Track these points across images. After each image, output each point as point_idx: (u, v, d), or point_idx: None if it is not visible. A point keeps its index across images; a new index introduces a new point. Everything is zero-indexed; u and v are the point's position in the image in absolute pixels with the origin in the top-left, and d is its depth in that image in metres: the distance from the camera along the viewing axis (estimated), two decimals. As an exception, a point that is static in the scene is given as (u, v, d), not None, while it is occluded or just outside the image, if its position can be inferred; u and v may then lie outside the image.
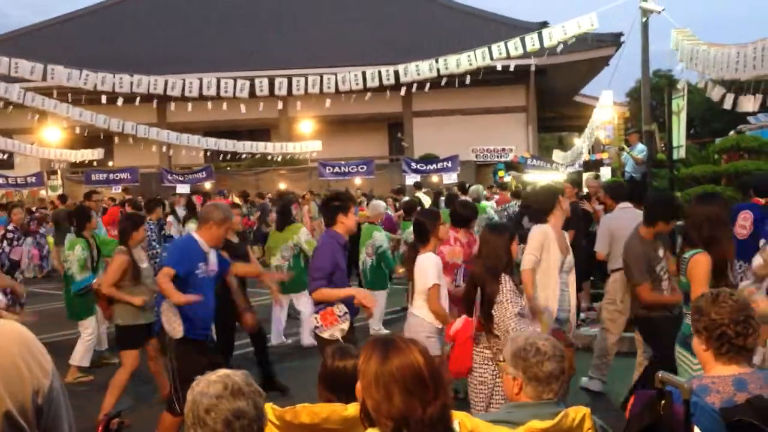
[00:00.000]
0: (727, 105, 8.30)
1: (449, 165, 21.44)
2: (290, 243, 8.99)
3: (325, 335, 5.24)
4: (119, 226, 7.02)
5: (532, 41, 13.50)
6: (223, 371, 2.19)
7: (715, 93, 8.73)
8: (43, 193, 24.05)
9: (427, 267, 5.45)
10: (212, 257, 5.52)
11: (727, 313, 2.71)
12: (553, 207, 5.62)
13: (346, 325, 5.28)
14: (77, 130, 22.04)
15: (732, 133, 16.23)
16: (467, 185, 15.41)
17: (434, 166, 21.83)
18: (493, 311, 4.53)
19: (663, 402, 2.50)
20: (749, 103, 8.01)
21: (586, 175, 16.11)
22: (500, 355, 4.14)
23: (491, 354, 4.55)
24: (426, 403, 2.13)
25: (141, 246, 7.08)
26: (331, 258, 5.37)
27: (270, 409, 2.69)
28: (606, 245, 7.18)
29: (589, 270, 9.54)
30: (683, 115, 10.19)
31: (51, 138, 25.09)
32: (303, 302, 8.81)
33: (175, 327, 5.13)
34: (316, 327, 5.32)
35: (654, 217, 5.53)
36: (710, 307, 2.75)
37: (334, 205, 5.58)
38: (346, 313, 5.28)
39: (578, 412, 2.70)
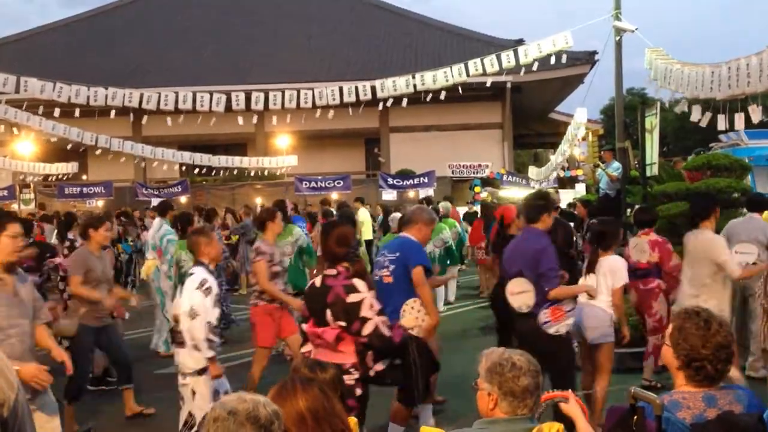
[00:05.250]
0: (701, 122, 8.36)
1: (425, 180, 21.51)
2: None
3: (551, 331, 5.37)
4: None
5: (507, 58, 13.58)
6: (264, 398, 2.19)
7: (684, 108, 8.85)
8: (15, 207, 23.70)
9: (621, 268, 5.91)
10: None
11: (713, 348, 2.59)
12: (711, 214, 6.32)
13: (571, 321, 5.48)
14: (51, 144, 21.79)
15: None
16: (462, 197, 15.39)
17: (410, 181, 21.89)
18: None
19: (635, 417, 2.51)
20: (710, 121, 8.11)
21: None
22: None
23: None
24: None
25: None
26: (555, 256, 5.54)
27: None
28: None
29: None
30: (656, 133, 10.32)
31: (24, 151, 24.78)
32: None
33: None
34: (545, 323, 5.39)
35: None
36: (698, 341, 2.61)
37: (540, 204, 5.77)
38: (572, 309, 5.49)
39: (552, 428, 2.70)
